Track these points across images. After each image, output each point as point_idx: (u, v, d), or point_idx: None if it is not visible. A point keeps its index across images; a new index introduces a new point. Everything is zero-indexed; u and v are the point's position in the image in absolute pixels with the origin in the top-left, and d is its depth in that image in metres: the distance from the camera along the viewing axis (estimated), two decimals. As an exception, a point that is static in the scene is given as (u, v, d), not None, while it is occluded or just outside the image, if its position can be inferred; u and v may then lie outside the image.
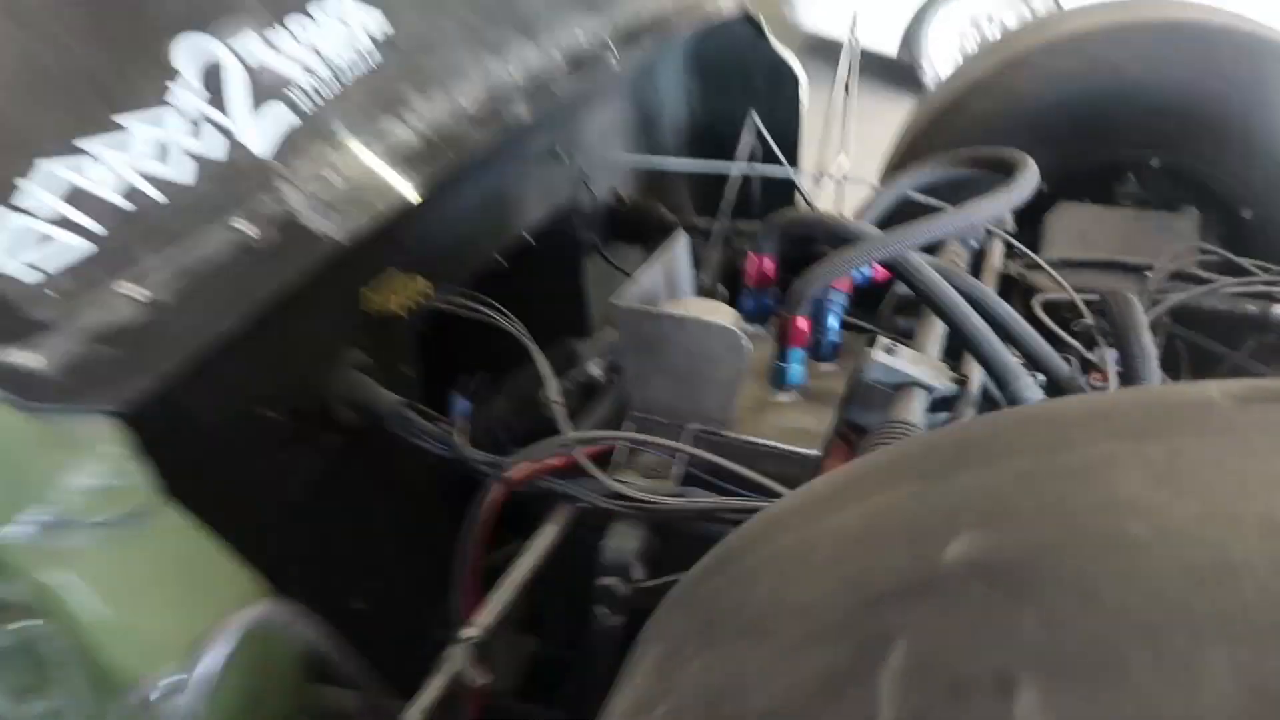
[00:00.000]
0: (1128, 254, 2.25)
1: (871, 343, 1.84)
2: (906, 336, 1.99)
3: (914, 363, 1.65)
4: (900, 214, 1.90)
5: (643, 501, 1.45)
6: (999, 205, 1.56)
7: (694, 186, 3.00)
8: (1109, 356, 1.91)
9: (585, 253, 2.43)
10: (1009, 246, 2.28)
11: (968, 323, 1.55)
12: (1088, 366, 1.96)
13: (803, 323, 1.57)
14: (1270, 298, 2.05)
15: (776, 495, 1.42)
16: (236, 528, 1.40)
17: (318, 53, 1.44)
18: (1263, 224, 2.34)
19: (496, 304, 1.69)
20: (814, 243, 1.75)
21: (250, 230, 1.23)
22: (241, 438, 1.37)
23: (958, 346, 1.90)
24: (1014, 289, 2.24)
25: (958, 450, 0.83)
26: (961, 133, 2.59)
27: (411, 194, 1.58)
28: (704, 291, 2.18)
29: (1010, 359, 1.54)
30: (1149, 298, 2.13)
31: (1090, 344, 1.98)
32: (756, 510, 1.46)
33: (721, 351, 1.46)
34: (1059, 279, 2.12)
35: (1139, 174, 2.46)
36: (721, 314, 1.58)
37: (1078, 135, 2.43)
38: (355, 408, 1.59)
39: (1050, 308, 2.11)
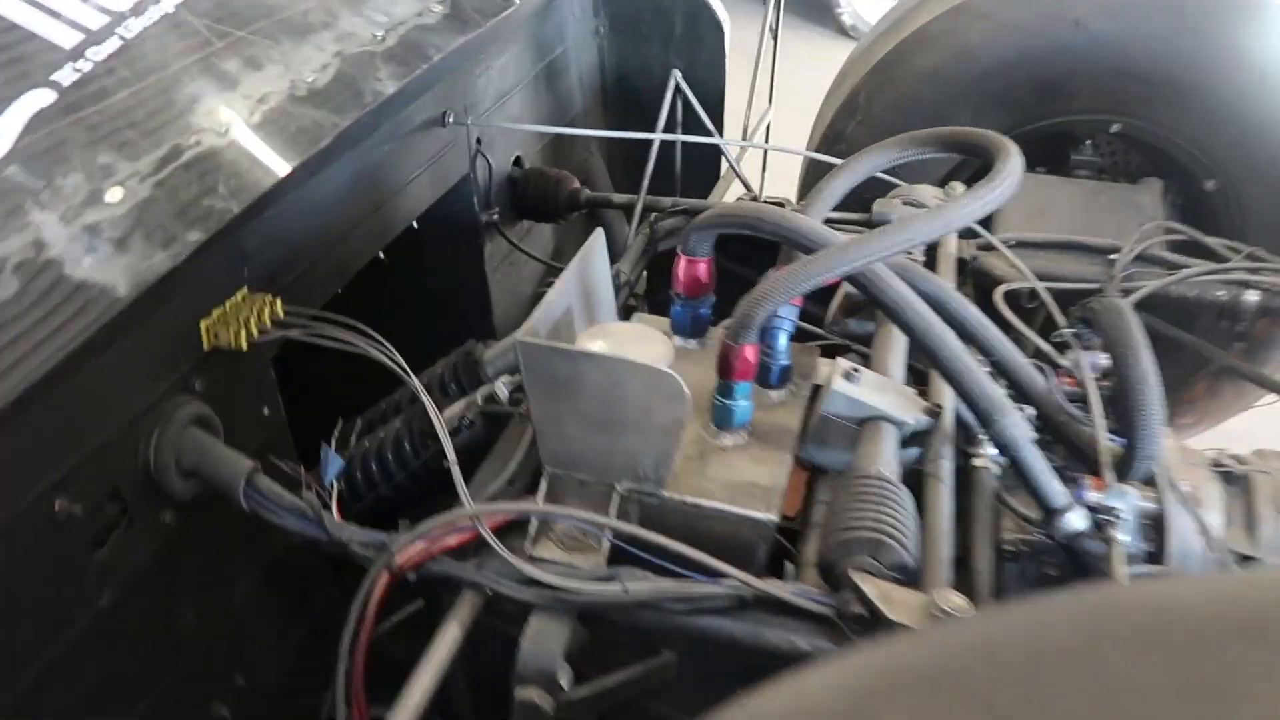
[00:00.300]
0: (1090, 232, 2.04)
1: (826, 354, 1.58)
2: (859, 342, 1.75)
3: (879, 390, 1.40)
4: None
5: (566, 590, 1.17)
6: (982, 204, 1.31)
7: (609, 148, 2.67)
8: (1084, 361, 1.70)
9: (485, 235, 2.10)
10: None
11: (946, 349, 1.29)
12: (1056, 369, 1.76)
13: (751, 353, 1.30)
14: (1244, 284, 1.86)
15: (723, 575, 1.16)
16: (44, 655, 1.08)
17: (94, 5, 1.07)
18: (1225, 196, 2.16)
19: (361, 327, 1.35)
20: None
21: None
22: (32, 544, 1.04)
23: (921, 355, 1.67)
24: (966, 274, 2.01)
25: (1040, 673, 0.56)
26: (904, 90, 2.33)
27: (245, 200, 1.23)
28: (622, 289, 1.88)
29: (997, 392, 1.30)
30: (1118, 286, 1.93)
31: (1062, 346, 1.77)
32: (705, 597, 1.21)
33: (656, 399, 1.18)
34: (1024, 269, 1.89)
35: (1096, 140, 2.24)
36: (652, 345, 1.29)
37: (1033, 95, 2.19)
38: (193, 476, 1.25)
39: (1010, 298, 1.89)
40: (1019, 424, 1.30)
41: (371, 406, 2.06)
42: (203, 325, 1.28)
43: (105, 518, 1.16)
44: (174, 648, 1.30)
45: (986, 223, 2.13)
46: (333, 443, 1.36)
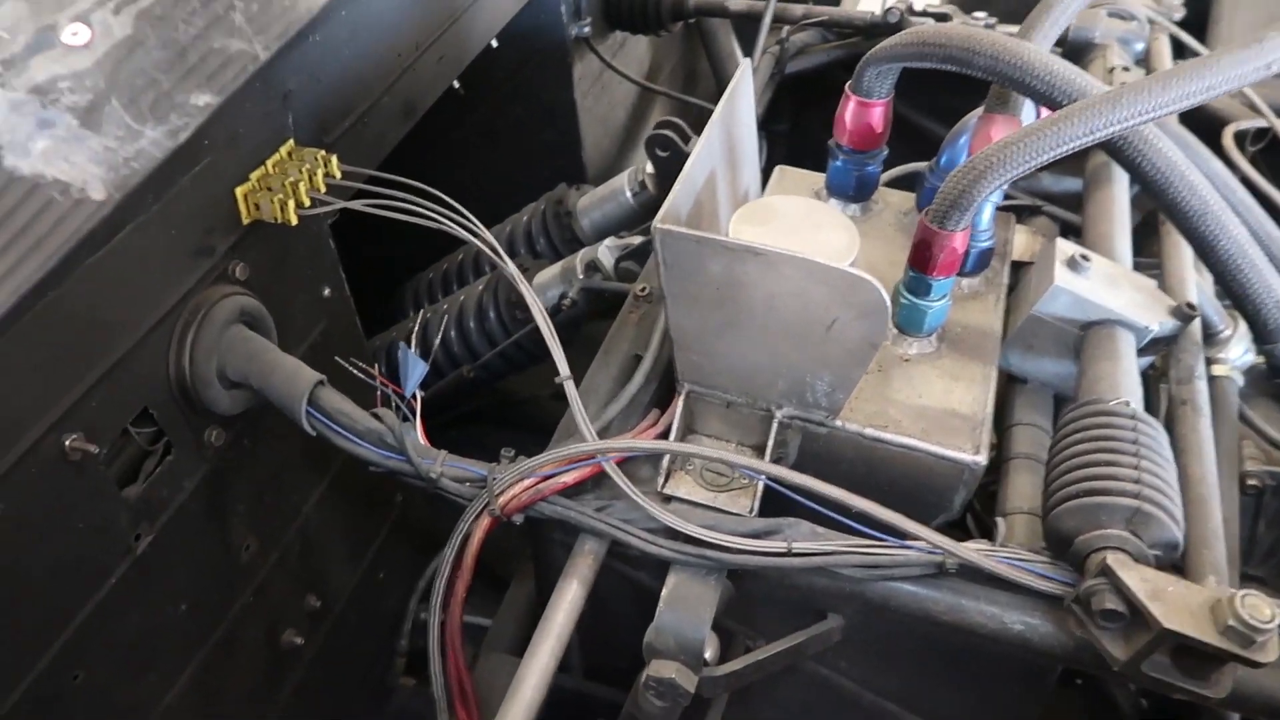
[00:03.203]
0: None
1: (1038, 232, 1.24)
2: (1055, 203, 1.39)
3: (1111, 284, 1.07)
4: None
5: (716, 547, 0.92)
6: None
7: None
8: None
9: (574, 53, 1.72)
10: (1177, 46, 1.61)
11: (1227, 239, 0.96)
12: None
13: (962, 242, 0.97)
14: None
15: (913, 537, 0.89)
16: (76, 616, 0.88)
17: None
18: None
19: (440, 195, 1.04)
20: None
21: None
22: (41, 495, 0.81)
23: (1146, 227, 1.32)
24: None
25: None
26: None
27: (282, 26, 0.91)
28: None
29: (1291, 300, 0.97)
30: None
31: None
32: (892, 565, 0.94)
33: (846, 312, 0.87)
34: (1261, 104, 1.49)
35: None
36: (833, 233, 0.97)
37: None
38: (241, 385, 1.00)
39: (1239, 140, 1.50)
40: (1317, 343, 0.98)
41: (436, 260, 1.78)
42: (239, 193, 0.98)
43: (134, 449, 0.93)
44: (233, 580, 1.10)
45: (1200, 35, 1.71)
46: (412, 339, 1.09)
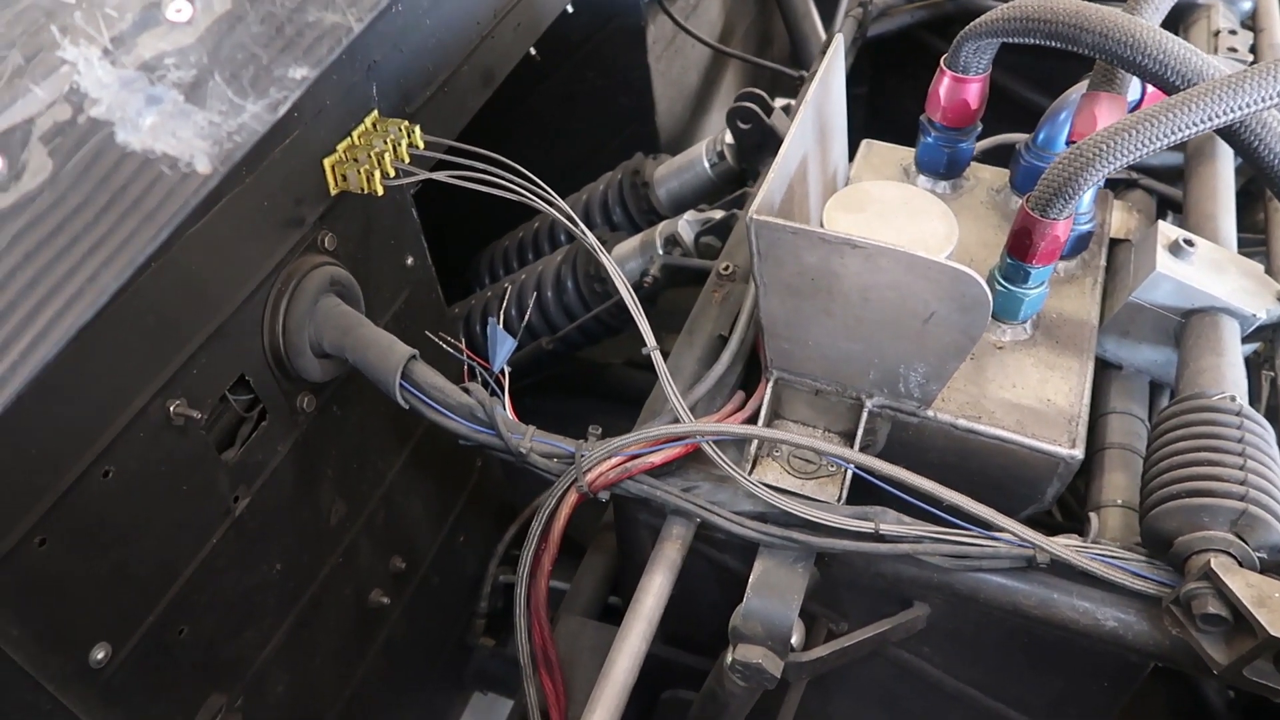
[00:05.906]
0: None
1: (1133, 208, 1.20)
2: (1153, 176, 1.34)
3: (1216, 270, 1.03)
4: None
5: (812, 525, 0.92)
6: None
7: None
8: None
9: (647, 16, 1.69)
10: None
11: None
12: None
13: (1064, 230, 0.94)
14: None
15: (999, 529, 0.88)
16: (179, 575, 0.92)
17: None
18: None
19: (519, 169, 1.03)
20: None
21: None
22: (148, 458, 0.84)
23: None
24: None
25: None
26: None
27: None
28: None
29: None
30: None
31: None
32: (983, 556, 0.93)
33: (946, 306, 0.85)
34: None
35: None
36: (930, 222, 0.95)
37: None
38: (332, 354, 1.02)
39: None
40: None
41: (510, 228, 1.78)
42: (326, 164, 0.99)
43: (231, 414, 0.95)
44: (324, 542, 1.13)
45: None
46: (500, 314, 1.09)
